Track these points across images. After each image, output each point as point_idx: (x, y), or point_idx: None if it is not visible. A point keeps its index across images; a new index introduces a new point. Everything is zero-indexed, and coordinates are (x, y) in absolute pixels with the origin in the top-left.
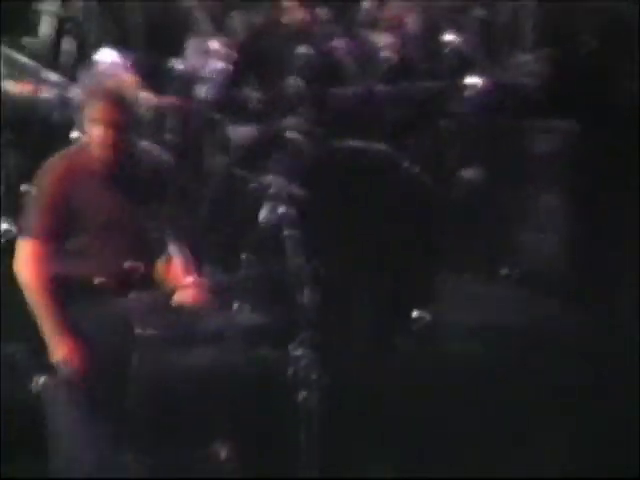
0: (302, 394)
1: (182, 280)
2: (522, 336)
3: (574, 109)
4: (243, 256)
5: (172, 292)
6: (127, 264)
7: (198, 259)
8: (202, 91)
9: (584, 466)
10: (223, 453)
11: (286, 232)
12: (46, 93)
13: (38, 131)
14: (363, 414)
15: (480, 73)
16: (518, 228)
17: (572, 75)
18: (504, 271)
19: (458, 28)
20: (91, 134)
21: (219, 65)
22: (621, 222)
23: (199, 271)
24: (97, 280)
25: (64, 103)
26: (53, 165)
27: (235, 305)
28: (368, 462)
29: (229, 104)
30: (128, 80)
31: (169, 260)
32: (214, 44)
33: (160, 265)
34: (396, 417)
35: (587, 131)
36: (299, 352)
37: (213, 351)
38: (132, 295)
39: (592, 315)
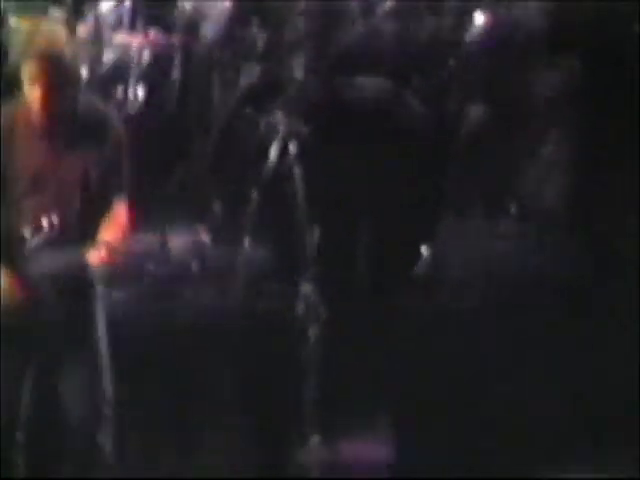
0: (311, 330)
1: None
2: (529, 273)
3: (581, 46)
4: (253, 194)
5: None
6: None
7: (134, 219)
8: (208, 31)
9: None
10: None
11: (296, 170)
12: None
13: None
14: (366, 351)
15: (484, 10)
16: (523, 166)
17: (577, 13)
18: (512, 209)
19: None
20: (26, 93)
21: (224, 5)
22: (624, 160)
23: (132, 232)
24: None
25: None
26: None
27: (245, 241)
28: (370, 397)
29: (234, 44)
30: (62, 36)
31: (111, 218)
32: None
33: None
34: (398, 352)
35: (593, 68)
36: (307, 289)
37: (221, 287)
38: None
39: (594, 251)
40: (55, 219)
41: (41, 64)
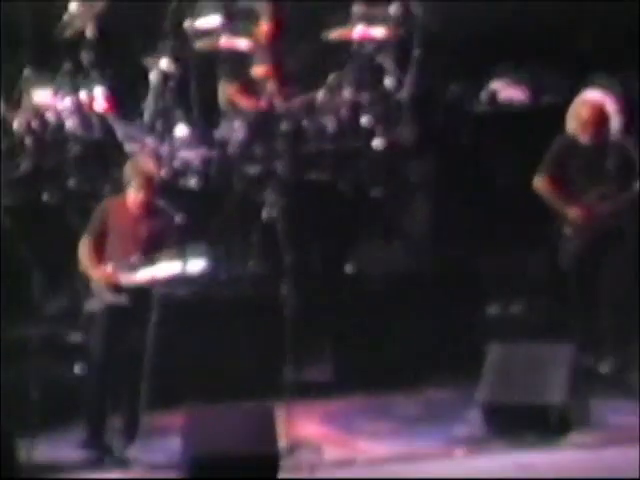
0: (288, 311)
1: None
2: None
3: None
4: (253, 238)
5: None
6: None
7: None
8: (231, 150)
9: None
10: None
11: (278, 225)
12: (146, 150)
13: None
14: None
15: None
16: (400, 223)
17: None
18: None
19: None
20: (129, 192)
21: (242, 135)
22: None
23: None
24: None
25: (155, 156)
26: (106, 201)
27: (250, 262)
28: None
29: (247, 155)
30: (151, 162)
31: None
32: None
33: None
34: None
35: (440, 169)
36: (286, 290)
37: (234, 289)
38: None
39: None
40: (132, 256)
41: (144, 180)
